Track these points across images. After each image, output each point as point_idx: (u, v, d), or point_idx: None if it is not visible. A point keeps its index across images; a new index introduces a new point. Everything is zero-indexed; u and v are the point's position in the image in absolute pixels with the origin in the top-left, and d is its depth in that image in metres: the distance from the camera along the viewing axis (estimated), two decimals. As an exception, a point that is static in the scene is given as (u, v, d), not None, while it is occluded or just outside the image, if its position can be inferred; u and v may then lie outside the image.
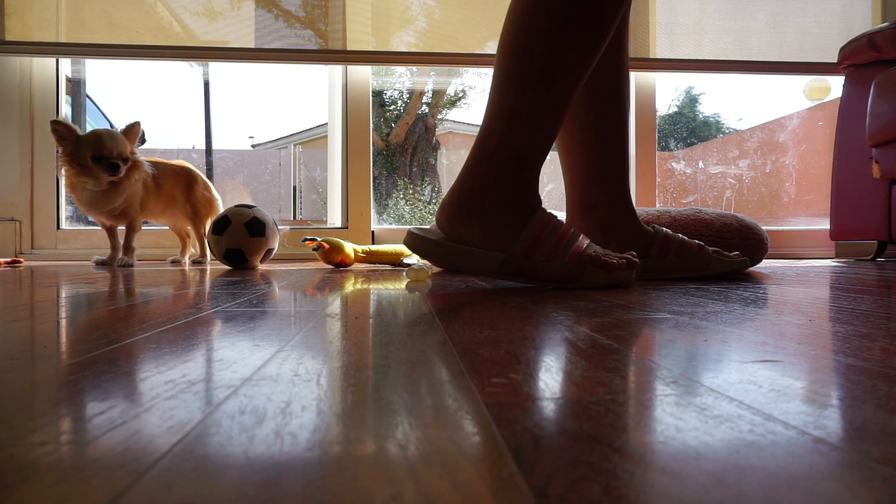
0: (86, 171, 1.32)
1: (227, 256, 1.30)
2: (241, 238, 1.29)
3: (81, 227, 1.91)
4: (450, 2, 1.92)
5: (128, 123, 1.39)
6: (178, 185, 1.55)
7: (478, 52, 1.92)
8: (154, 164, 1.49)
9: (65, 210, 1.90)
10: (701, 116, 2.99)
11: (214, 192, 1.62)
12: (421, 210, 2.52)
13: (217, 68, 2.82)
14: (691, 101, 3.01)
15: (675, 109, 2.99)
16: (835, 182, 1.84)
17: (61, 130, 1.31)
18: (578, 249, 0.73)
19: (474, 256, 0.73)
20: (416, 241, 0.78)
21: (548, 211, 0.76)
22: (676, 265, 0.91)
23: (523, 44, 0.74)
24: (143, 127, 1.42)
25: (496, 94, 0.76)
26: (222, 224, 1.30)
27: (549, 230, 0.74)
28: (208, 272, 1.18)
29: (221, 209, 1.58)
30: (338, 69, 1.98)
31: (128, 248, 1.46)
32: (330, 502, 0.14)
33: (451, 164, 2.75)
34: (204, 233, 1.56)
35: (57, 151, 1.35)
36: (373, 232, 1.97)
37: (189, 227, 1.62)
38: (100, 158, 1.31)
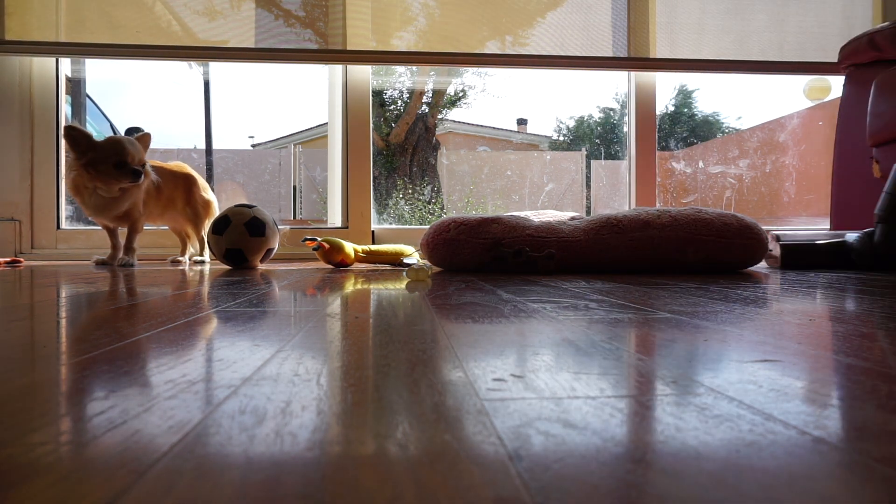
0: (102, 176, 1.31)
1: (227, 256, 1.30)
2: (241, 238, 1.29)
3: (81, 226, 1.91)
4: (450, 2, 1.92)
5: (139, 133, 1.41)
6: (178, 189, 1.55)
7: (478, 51, 1.92)
8: (154, 168, 1.49)
9: (65, 210, 1.90)
10: (701, 116, 2.99)
11: (211, 194, 1.63)
12: (421, 210, 2.52)
13: (217, 68, 2.82)
14: (691, 100, 3.00)
15: (675, 108, 2.99)
16: (835, 182, 1.84)
17: (76, 136, 1.30)
18: None
19: None
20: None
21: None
22: None
23: None
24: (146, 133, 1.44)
25: None
26: (222, 224, 1.30)
27: None
28: (208, 272, 1.18)
29: (218, 210, 1.59)
30: (338, 69, 1.97)
31: (129, 249, 1.46)
32: (330, 502, 0.14)
33: (451, 163, 2.74)
34: (204, 233, 1.57)
35: (64, 154, 1.35)
36: (373, 232, 1.97)
37: (189, 228, 1.62)
38: (123, 165, 1.32)
